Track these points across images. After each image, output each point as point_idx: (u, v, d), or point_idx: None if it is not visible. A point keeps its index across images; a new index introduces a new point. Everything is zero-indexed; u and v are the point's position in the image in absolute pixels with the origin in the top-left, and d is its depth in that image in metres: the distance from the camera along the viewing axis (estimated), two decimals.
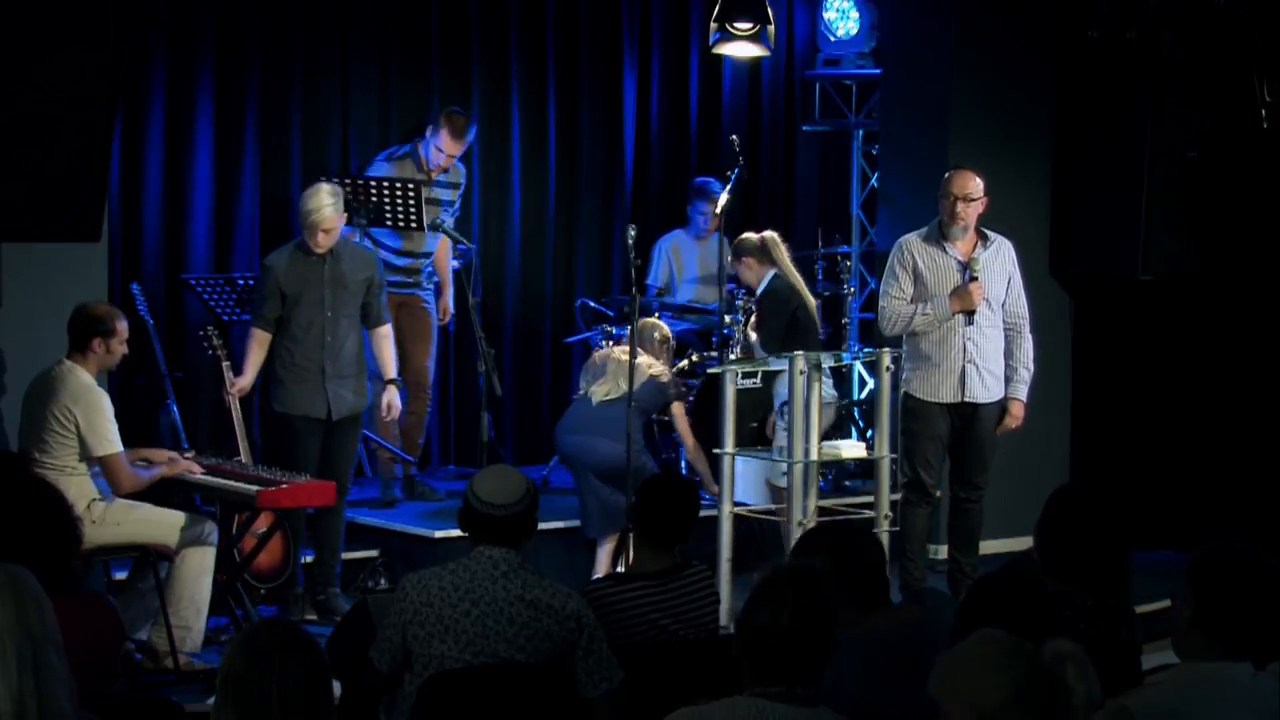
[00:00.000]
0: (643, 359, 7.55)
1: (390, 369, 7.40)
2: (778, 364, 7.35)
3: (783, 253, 8.03)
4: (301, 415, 7.07)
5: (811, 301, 8.04)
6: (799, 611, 3.34)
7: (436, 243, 8.37)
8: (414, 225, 7.93)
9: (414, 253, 8.29)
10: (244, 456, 7.03)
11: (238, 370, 7.20)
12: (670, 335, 8.08)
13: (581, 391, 7.82)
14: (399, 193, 7.89)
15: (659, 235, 9.45)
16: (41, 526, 4.20)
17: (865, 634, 4.06)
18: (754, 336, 8.00)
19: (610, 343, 8.18)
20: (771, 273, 7.94)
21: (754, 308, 8.04)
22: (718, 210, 8.65)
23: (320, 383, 7.06)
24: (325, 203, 7.04)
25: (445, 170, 8.29)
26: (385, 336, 7.38)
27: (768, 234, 8.06)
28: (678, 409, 7.83)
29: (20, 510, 4.23)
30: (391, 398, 7.38)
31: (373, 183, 7.95)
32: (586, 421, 7.60)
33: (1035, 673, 3.02)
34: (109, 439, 6.23)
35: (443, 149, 8.16)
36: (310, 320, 7.07)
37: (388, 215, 7.94)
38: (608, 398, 7.55)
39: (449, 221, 8.32)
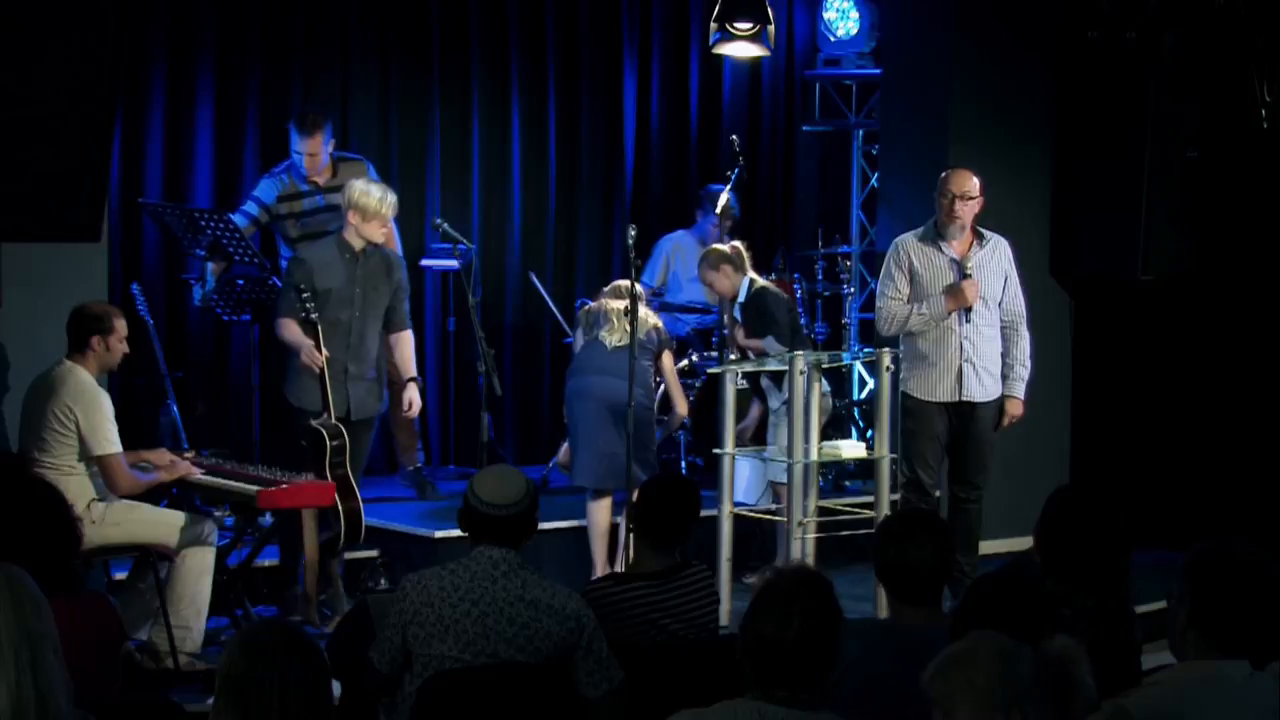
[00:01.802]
0: (641, 310, 7.52)
1: (411, 367, 7.36)
2: (776, 364, 7.37)
3: (748, 261, 8.03)
4: (319, 412, 7.00)
5: None
6: (807, 621, 3.33)
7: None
8: (250, 260, 7.75)
9: None
10: (331, 416, 6.87)
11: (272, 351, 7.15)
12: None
13: (580, 342, 7.75)
14: (216, 223, 7.70)
15: (659, 235, 9.45)
16: (40, 526, 4.20)
17: (897, 626, 4.08)
18: (741, 340, 7.91)
19: (601, 298, 7.93)
20: (747, 279, 7.90)
21: (739, 315, 7.93)
22: (718, 210, 8.67)
23: (343, 382, 7.00)
24: (378, 192, 7.02)
25: (333, 174, 7.98)
26: (407, 340, 7.34)
27: (737, 243, 8.06)
28: (667, 357, 7.78)
29: (19, 510, 4.23)
30: (413, 394, 7.33)
31: (196, 212, 7.78)
32: (607, 364, 7.51)
33: (1042, 670, 3.02)
34: (108, 439, 6.23)
35: (300, 150, 7.92)
36: (337, 318, 7.02)
37: (230, 248, 7.76)
38: (621, 343, 7.49)
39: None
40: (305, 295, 6.85)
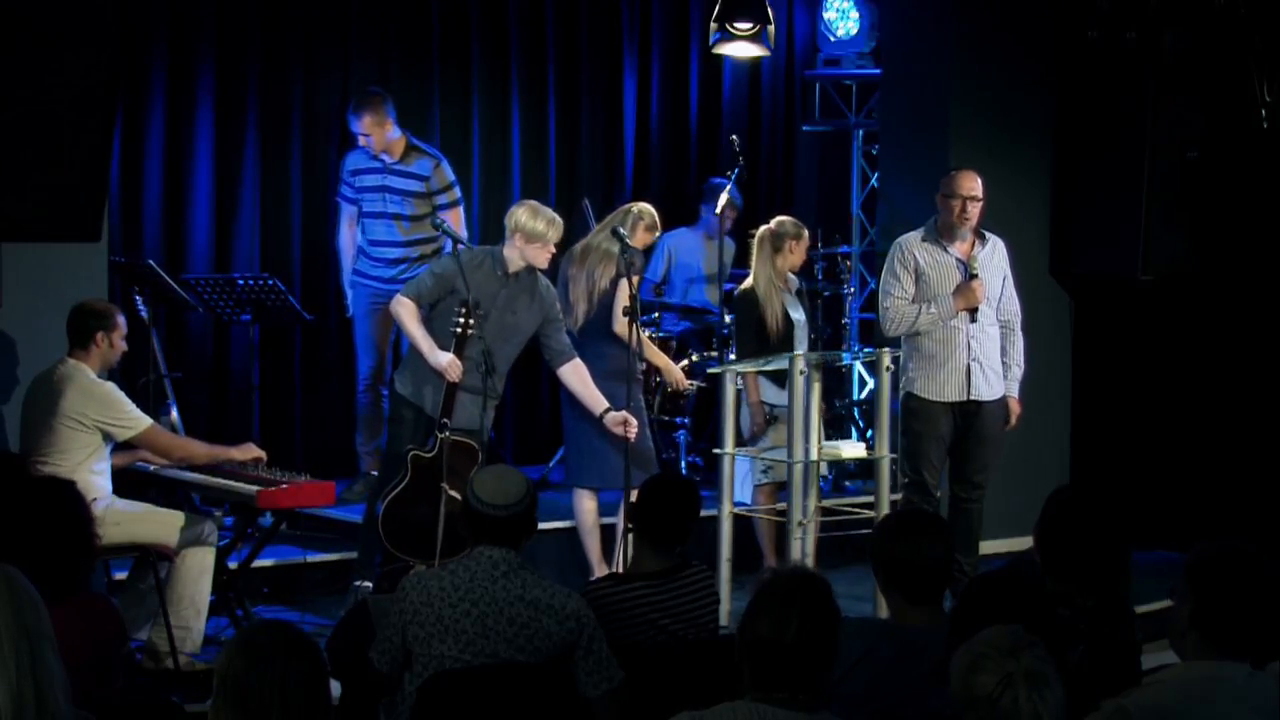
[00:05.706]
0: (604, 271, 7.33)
1: (600, 401, 7.21)
2: (779, 363, 7.36)
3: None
4: (425, 413, 7.00)
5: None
6: (805, 623, 3.33)
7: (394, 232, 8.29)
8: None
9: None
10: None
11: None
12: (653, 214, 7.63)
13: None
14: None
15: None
16: (49, 526, 4.20)
17: (897, 626, 4.08)
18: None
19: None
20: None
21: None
22: (718, 210, 8.67)
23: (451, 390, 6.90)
24: (544, 223, 6.93)
25: (398, 159, 8.11)
26: (580, 369, 7.26)
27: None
28: (623, 287, 7.31)
29: (27, 510, 4.23)
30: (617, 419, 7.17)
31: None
32: (593, 365, 7.27)
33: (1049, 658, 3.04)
34: (135, 417, 6.25)
35: (355, 130, 8.07)
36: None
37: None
38: (578, 325, 7.34)
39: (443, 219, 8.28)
40: (477, 312, 6.76)
